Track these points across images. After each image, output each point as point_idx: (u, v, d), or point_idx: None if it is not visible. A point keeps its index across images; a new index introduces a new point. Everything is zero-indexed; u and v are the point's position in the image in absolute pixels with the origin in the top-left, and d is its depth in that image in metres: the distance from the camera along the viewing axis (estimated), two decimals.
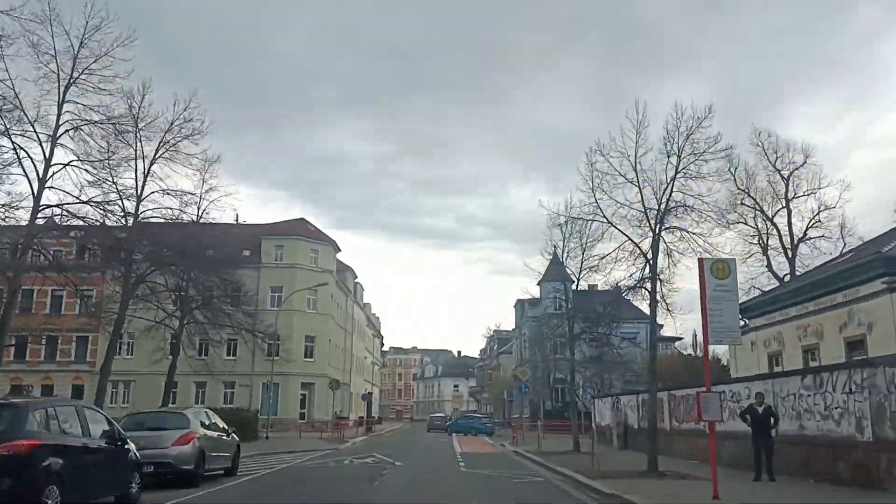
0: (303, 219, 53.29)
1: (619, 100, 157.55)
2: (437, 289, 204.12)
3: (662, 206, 16.93)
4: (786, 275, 38.05)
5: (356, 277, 66.58)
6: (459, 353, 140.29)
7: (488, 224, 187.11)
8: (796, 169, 37.82)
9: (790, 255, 38.01)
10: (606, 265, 18.23)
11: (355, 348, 65.93)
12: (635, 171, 17.22)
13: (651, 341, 16.51)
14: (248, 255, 50.71)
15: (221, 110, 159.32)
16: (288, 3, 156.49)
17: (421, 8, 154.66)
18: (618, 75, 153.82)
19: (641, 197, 17.22)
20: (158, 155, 25.61)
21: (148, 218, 25.86)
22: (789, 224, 38.12)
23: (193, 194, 26.48)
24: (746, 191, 38.07)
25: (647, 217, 17.11)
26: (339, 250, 54.79)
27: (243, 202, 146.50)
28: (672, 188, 17.00)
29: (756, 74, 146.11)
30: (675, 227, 17.17)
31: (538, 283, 63.79)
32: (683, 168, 16.91)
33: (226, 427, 15.36)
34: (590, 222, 17.72)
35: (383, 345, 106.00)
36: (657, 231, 16.77)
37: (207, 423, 14.39)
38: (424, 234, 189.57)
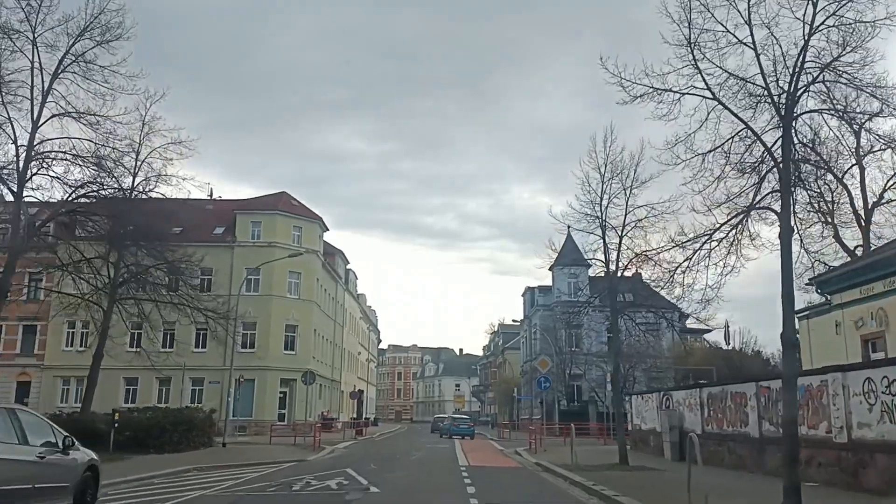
0: (284, 192, 46.84)
1: (618, 98, 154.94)
2: (438, 289, 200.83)
3: (796, 75, 10.50)
4: (857, 246, 31.42)
5: (348, 263, 60.10)
6: (461, 350, 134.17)
7: (489, 223, 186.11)
8: (870, 118, 31.03)
9: (863, 223, 31.29)
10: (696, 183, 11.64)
11: (347, 342, 59.46)
12: (749, 25, 10.77)
13: (786, 294, 9.95)
14: (221, 232, 44.40)
15: (223, 109, 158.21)
16: (291, 3, 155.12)
17: (421, 7, 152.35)
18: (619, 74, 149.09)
19: (760, 67, 10.78)
20: (64, 68, 19.18)
21: (49, 152, 19.36)
22: (862, 185, 31.37)
23: (108, 118, 19.89)
24: (810, 145, 31.31)
25: (771, 96, 10.67)
26: (327, 229, 48.36)
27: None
28: (805, 55, 10.58)
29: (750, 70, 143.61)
30: (816, 111, 10.79)
31: (550, 268, 57.30)
32: (825, 22, 10.50)
33: (65, 438, 8.79)
34: (681, 97, 10.99)
35: (380, 341, 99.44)
36: (789, 108, 10.39)
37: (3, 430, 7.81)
38: (425, 234, 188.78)
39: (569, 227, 54.34)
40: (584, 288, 53.45)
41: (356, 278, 66.92)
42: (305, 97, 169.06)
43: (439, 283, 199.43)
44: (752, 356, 47.92)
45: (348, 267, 61.30)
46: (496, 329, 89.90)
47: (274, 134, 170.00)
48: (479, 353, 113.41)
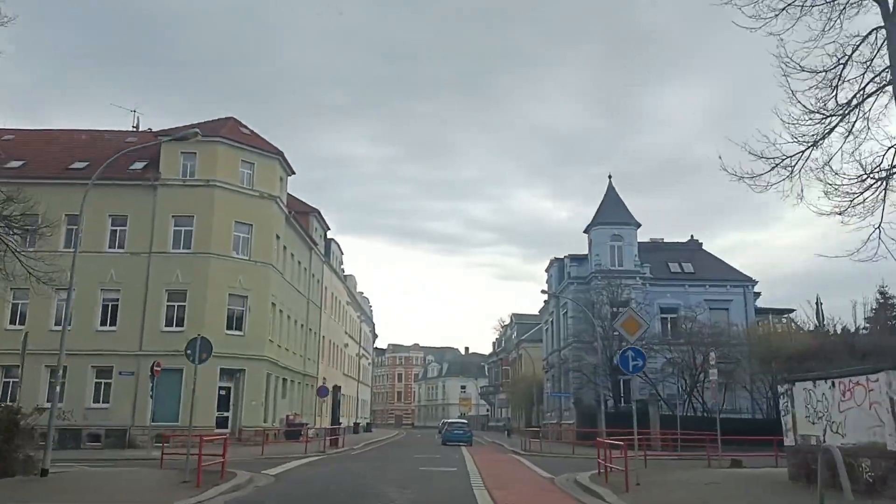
0: (232, 117, 34.84)
1: (620, 102, 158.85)
2: (442, 294, 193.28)
3: None
4: None
5: (328, 229, 48.02)
6: (467, 349, 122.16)
7: (493, 228, 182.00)
8: None
9: None
10: None
11: (327, 329, 47.39)
12: None
13: None
14: (141, 168, 32.44)
15: (222, 112, 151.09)
16: (294, 8, 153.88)
17: (422, 12, 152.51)
18: (619, 78, 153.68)
19: None
20: None
21: None
22: None
23: None
24: None
25: None
26: (292, 173, 36.38)
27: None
28: None
29: (757, 76, 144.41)
30: None
31: (586, 230, 45.10)
32: None
33: None
34: None
35: (376, 336, 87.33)
36: None
37: None
38: (429, 239, 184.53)
39: (610, 176, 40.55)
40: (633, 252, 41.37)
41: (341, 253, 54.88)
42: (306, 101, 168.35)
43: (443, 289, 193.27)
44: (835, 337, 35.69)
45: (329, 235, 49.29)
46: (509, 321, 77.86)
47: (274, 137, 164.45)
48: (488, 350, 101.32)
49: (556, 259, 45.58)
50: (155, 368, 26.35)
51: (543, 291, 44.54)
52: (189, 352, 14.71)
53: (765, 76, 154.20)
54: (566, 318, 42.36)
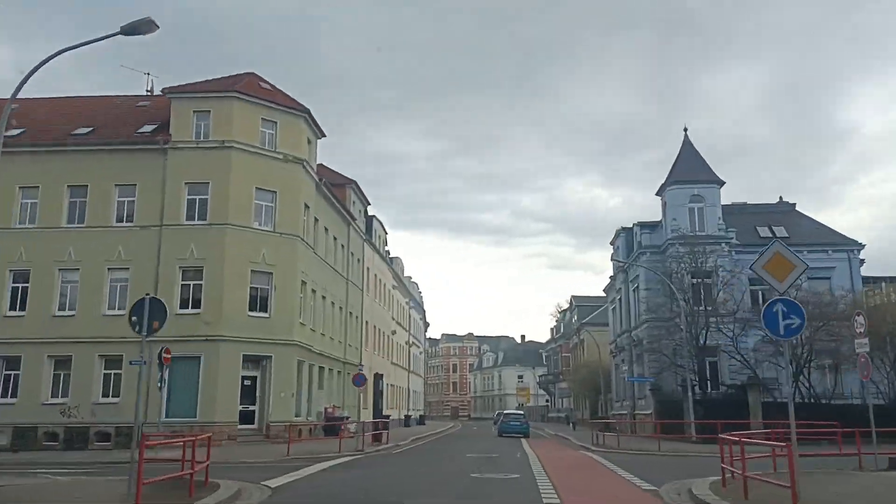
0: (251, 73, 30.79)
1: (671, 89, 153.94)
2: (496, 285, 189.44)
3: None
4: None
5: (368, 204, 43.77)
6: (523, 337, 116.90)
7: (545, 219, 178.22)
8: None
9: None
10: None
11: (371, 313, 43.24)
12: None
13: None
14: (151, 131, 28.70)
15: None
16: (340, 9, 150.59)
17: (468, 6, 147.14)
18: (669, 64, 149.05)
19: None
20: None
21: None
22: None
23: None
24: None
25: None
26: (322, 134, 32.17)
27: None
28: None
29: (814, 57, 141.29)
30: None
31: (658, 192, 39.69)
32: None
33: None
34: None
35: (428, 324, 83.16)
36: None
37: None
38: (480, 231, 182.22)
39: (685, 129, 34.53)
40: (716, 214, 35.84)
41: (385, 232, 50.68)
42: (355, 99, 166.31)
43: (496, 280, 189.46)
44: None
45: (370, 213, 45.08)
46: (569, 305, 72.54)
47: (329, 136, 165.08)
48: (545, 338, 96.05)
49: (623, 229, 40.21)
50: (164, 355, 22.54)
51: (613, 259, 39.21)
52: (135, 318, 10.52)
53: (820, 49, 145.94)
54: (638, 294, 37.11)
